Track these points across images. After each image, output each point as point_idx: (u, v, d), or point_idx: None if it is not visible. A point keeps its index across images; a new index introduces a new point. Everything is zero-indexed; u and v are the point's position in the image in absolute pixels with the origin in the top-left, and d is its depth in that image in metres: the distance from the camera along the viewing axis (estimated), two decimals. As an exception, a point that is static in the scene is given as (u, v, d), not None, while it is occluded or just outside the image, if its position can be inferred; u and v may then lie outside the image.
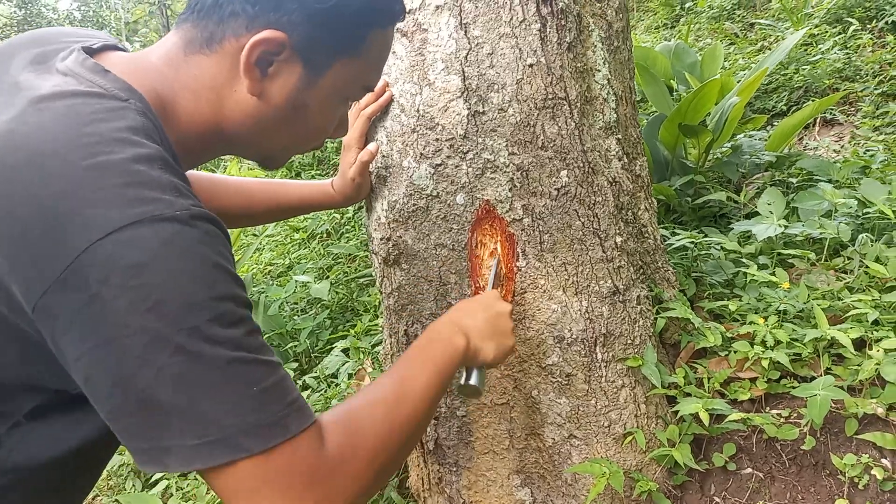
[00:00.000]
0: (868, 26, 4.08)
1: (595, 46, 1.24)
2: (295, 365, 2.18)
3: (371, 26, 0.75)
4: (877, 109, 3.27)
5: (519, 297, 1.19)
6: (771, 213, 1.73)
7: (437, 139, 1.15)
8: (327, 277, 2.84)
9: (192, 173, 1.11)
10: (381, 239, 1.25)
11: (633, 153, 1.40)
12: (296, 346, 2.32)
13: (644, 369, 1.24)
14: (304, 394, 1.85)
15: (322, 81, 0.75)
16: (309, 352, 2.35)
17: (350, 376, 1.89)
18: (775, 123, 3.21)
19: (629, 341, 1.25)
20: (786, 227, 1.68)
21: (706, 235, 1.83)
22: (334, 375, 1.95)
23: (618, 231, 1.24)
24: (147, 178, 0.57)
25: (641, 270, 1.34)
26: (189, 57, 0.72)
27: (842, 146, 3.12)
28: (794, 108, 3.48)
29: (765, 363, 1.29)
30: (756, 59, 4.10)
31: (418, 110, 1.16)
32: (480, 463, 1.29)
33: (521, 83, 1.12)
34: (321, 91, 0.76)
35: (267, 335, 2.38)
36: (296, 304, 2.78)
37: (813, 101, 2.93)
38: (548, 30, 1.13)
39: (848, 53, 3.76)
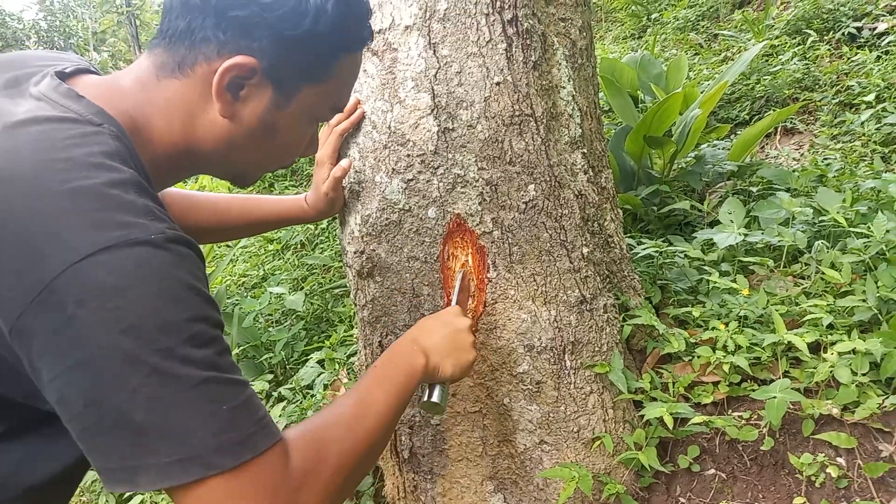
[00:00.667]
0: (826, 38, 4.22)
1: (560, 64, 1.29)
2: (270, 377, 2.18)
3: (340, 51, 0.77)
4: (834, 118, 3.38)
5: (490, 307, 1.23)
6: (732, 221, 1.79)
7: (408, 155, 1.18)
8: (302, 288, 2.85)
9: (165, 190, 1.12)
10: (355, 252, 1.28)
11: (599, 166, 1.45)
12: (271, 358, 2.32)
13: (611, 375, 1.28)
14: (280, 405, 1.86)
15: (292, 104, 0.78)
16: (284, 363, 2.35)
17: (325, 387, 1.91)
18: (738, 132, 3.30)
19: (597, 349, 1.29)
20: (746, 235, 1.75)
21: (671, 244, 1.88)
22: (310, 387, 1.96)
23: (584, 242, 1.28)
24: (122, 202, 0.58)
25: (608, 279, 1.39)
26: (161, 80, 0.74)
27: (802, 154, 3.23)
28: (756, 117, 3.58)
29: (726, 367, 1.34)
30: (720, 69, 4.22)
31: (390, 127, 1.19)
32: (454, 470, 1.32)
33: (489, 101, 1.16)
34: (291, 113, 0.78)
35: (242, 347, 2.38)
36: (270, 315, 2.78)
37: (774, 110, 3.03)
38: (514, 49, 1.17)
39: (807, 64, 3.88)
